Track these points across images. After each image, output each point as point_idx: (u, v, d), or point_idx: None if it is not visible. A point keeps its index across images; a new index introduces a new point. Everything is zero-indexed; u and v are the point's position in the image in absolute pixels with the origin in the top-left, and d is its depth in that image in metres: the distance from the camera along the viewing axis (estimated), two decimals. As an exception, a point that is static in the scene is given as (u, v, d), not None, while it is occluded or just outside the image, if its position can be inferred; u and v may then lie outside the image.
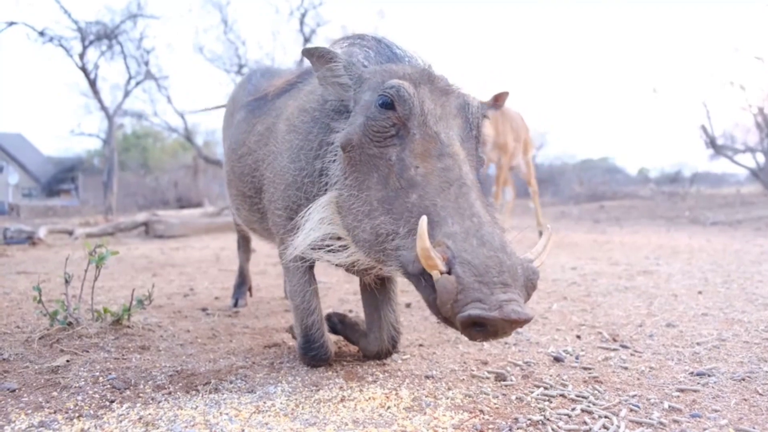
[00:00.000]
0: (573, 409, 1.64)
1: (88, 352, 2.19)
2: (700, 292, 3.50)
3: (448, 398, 1.73)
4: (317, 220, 1.74)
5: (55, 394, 1.74)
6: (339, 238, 1.74)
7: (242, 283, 3.47)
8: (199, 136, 23.50)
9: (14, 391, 1.76)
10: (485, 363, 2.12)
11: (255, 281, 4.04)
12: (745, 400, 1.72)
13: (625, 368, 2.04)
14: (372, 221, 1.57)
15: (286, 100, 2.20)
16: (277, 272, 4.86)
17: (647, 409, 1.65)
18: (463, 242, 1.37)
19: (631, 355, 2.22)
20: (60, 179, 32.22)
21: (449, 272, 1.32)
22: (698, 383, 1.86)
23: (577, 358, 2.18)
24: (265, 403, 1.67)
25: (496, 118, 7.07)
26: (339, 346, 2.35)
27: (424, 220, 1.35)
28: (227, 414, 1.58)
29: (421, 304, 3.11)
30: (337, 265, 1.87)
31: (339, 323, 2.31)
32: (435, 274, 1.33)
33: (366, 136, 1.64)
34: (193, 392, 1.78)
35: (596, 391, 1.80)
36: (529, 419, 1.56)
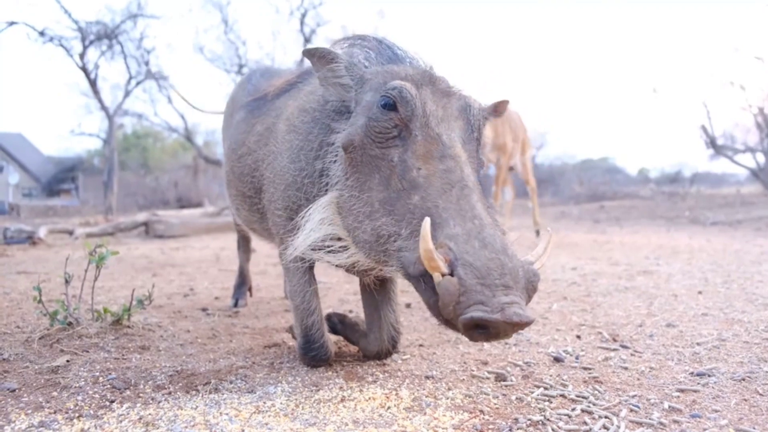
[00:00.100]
0: (573, 410, 1.64)
1: (88, 352, 2.19)
2: (700, 292, 3.50)
3: (448, 398, 1.73)
4: (318, 221, 1.73)
5: (55, 394, 1.74)
6: (339, 239, 1.73)
7: (242, 283, 3.47)
8: (199, 136, 23.55)
9: (14, 391, 1.76)
10: (485, 363, 2.12)
11: (255, 281, 4.04)
12: (746, 400, 1.72)
13: (625, 368, 2.04)
14: (373, 222, 1.56)
15: (285, 101, 2.20)
16: (277, 272, 4.86)
17: (647, 409, 1.65)
18: (465, 244, 1.37)
19: (631, 355, 2.22)
20: (60, 179, 32.24)
21: (451, 274, 1.32)
22: (698, 383, 1.86)
23: (577, 358, 2.18)
24: (265, 403, 1.67)
25: (495, 119, 7.09)
26: (339, 346, 2.35)
27: (427, 222, 1.34)
28: (227, 414, 1.58)
29: (421, 304, 3.11)
30: (337, 265, 1.87)
31: (339, 323, 2.31)
32: (437, 276, 1.33)
33: (368, 137, 1.64)
34: (193, 392, 1.78)
35: (596, 392, 1.80)
36: (529, 419, 1.56)
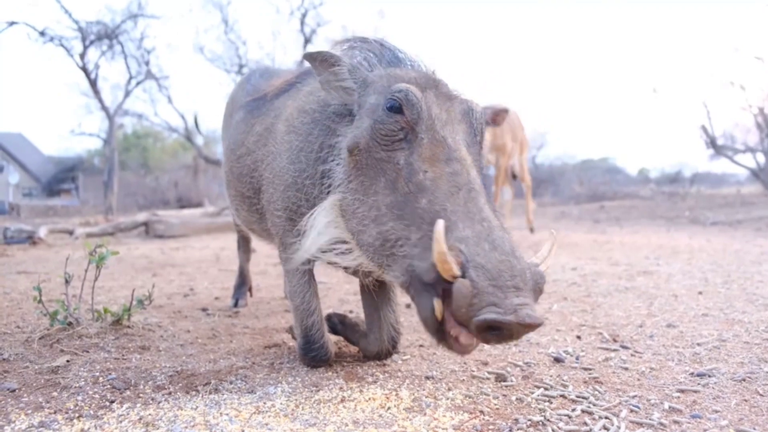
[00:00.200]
0: (573, 410, 1.64)
1: (88, 352, 2.19)
2: (700, 293, 3.50)
3: (448, 399, 1.73)
4: (324, 224, 1.73)
5: (55, 394, 1.74)
6: (345, 242, 1.72)
7: (242, 284, 3.47)
8: (199, 136, 23.52)
9: (14, 391, 1.76)
10: (485, 364, 2.12)
11: (255, 281, 4.04)
12: (746, 400, 1.72)
13: (626, 369, 2.04)
14: (380, 226, 1.55)
15: (285, 101, 2.19)
16: (278, 272, 4.86)
17: (647, 409, 1.65)
18: (476, 246, 1.36)
19: (632, 355, 2.21)
20: (60, 179, 32.25)
21: (463, 276, 1.31)
22: (699, 384, 1.86)
23: (577, 358, 2.18)
24: (265, 403, 1.67)
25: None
26: (339, 346, 2.35)
27: (440, 224, 1.33)
28: (227, 414, 1.58)
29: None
30: (345, 267, 1.87)
31: (339, 324, 2.31)
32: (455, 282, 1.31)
33: (374, 140, 1.63)
34: (193, 393, 1.78)
35: (596, 392, 1.80)
36: (530, 420, 1.56)
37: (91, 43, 17.39)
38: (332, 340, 2.16)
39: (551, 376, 1.97)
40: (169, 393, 1.78)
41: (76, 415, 1.57)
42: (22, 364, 2.02)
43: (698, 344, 2.34)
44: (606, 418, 1.58)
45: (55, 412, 1.59)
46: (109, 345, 2.30)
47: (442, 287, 1.34)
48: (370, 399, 1.72)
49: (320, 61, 1.82)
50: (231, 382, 1.88)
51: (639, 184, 26.02)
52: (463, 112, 1.72)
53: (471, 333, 1.32)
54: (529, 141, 8.53)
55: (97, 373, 1.94)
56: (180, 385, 1.85)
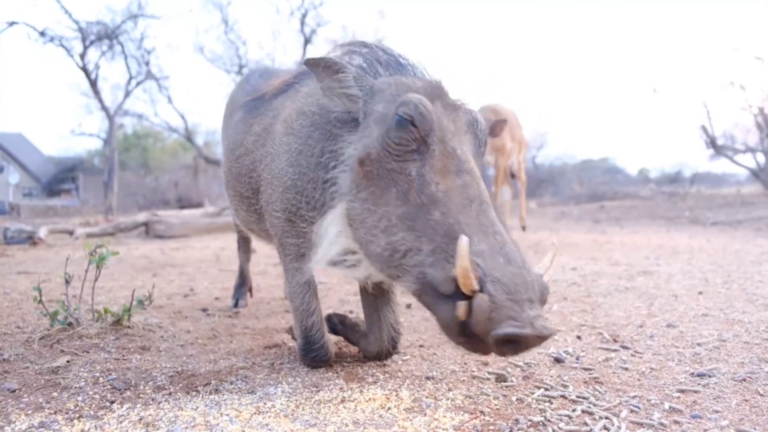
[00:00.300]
0: (574, 410, 1.64)
1: (88, 352, 2.19)
2: (700, 293, 3.50)
3: (448, 399, 1.73)
4: (335, 234, 1.72)
5: (55, 394, 1.74)
6: (354, 252, 1.72)
7: (242, 284, 3.46)
8: (199, 136, 23.56)
9: (14, 391, 1.76)
10: (486, 364, 2.12)
11: (255, 281, 4.04)
12: (746, 400, 1.72)
13: (626, 369, 2.04)
14: (390, 237, 1.55)
15: (283, 101, 2.18)
16: (278, 272, 4.86)
17: (648, 409, 1.65)
18: (492, 260, 1.39)
19: (632, 355, 2.21)
20: (60, 179, 32.26)
21: (481, 290, 1.34)
22: (699, 384, 1.86)
23: (577, 358, 2.18)
24: (265, 404, 1.67)
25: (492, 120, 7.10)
26: (339, 346, 2.35)
27: (464, 241, 1.34)
28: (228, 415, 1.58)
29: (422, 305, 3.10)
30: (355, 277, 1.87)
31: (339, 324, 2.31)
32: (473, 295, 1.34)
33: (385, 150, 1.63)
34: (194, 393, 1.78)
35: (597, 392, 1.80)
36: (530, 420, 1.56)
37: (92, 43, 17.40)
38: (332, 340, 2.16)
39: (551, 376, 1.97)
40: (170, 393, 1.78)
41: (77, 415, 1.57)
42: (23, 365, 2.02)
43: (698, 344, 2.34)
44: (606, 418, 1.58)
45: (55, 413, 1.59)
46: (109, 345, 2.30)
47: (458, 298, 1.37)
48: (370, 399, 1.72)
49: (323, 67, 1.78)
50: (231, 383, 1.88)
51: (639, 184, 26.03)
52: (468, 122, 1.72)
53: (488, 346, 1.35)
54: (526, 140, 8.53)
55: (98, 374, 1.94)
56: (180, 385, 1.85)
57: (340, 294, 3.72)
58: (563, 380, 1.92)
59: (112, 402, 1.69)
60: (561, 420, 1.57)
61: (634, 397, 1.75)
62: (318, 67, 1.79)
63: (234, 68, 20.09)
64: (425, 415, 1.60)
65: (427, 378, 1.96)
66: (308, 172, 1.88)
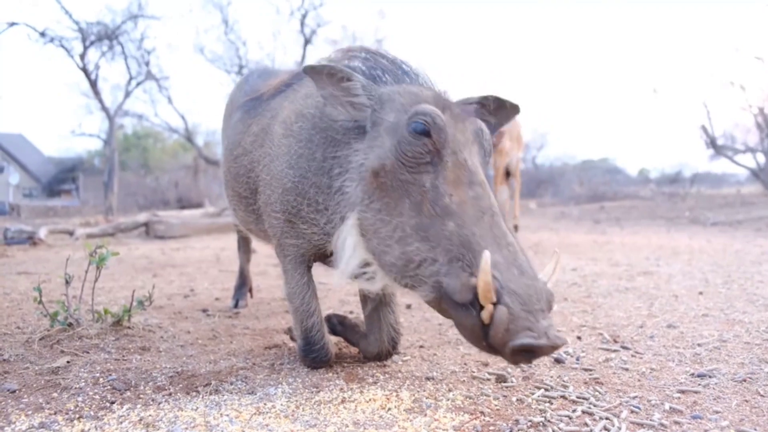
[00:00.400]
0: (574, 411, 1.64)
1: (88, 353, 2.19)
2: (700, 293, 3.50)
3: (448, 400, 1.73)
4: (352, 246, 1.73)
5: (55, 395, 1.74)
6: (369, 264, 1.72)
7: (243, 284, 3.46)
8: (199, 137, 23.57)
9: (14, 392, 1.76)
10: (486, 364, 2.12)
11: (255, 282, 4.04)
12: (747, 401, 1.71)
13: (626, 369, 2.04)
14: (404, 247, 1.56)
15: (281, 101, 2.17)
16: (278, 273, 4.86)
17: (648, 410, 1.65)
18: (507, 272, 1.43)
19: (632, 356, 2.21)
20: (61, 179, 32.25)
21: (498, 301, 1.38)
22: (699, 384, 1.86)
23: (577, 359, 2.18)
24: (265, 404, 1.67)
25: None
26: (339, 347, 2.34)
27: (487, 255, 1.38)
28: (228, 415, 1.58)
29: (421, 305, 3.11)
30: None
31: (339, 325, 2.31)
32: (489, 307, 1.38)
33: (399, 161, 1.63)
34: (194, 393, 1.78)
35: (597, 393, 1.80)
36: (530, 421, 1.56)
37: (92, 43, 17.38)
38: (332, 340, 2.16)
39: (552, 376, 1.97)
40: (170, 394, 1.78)
41: (77, 416, 1.57)
42: (23, 365, 2.02)
43: (699, 345, 2.34)
44: (607, 418, 1.58)
45: (55, 413, 1.59)
46: (109, 346, 2.30)
47: (475, 307, 1.42)
48: (370, 400, 1.72)
49: (327, 75, 1.75)
50: (231, 383, 1.88)
51: (639, 185, 26.03)
52: (474, 132, 1.72)
53: (504, 356, 1.40)
54: (523, 138, 8.50)
55: (98, 374, 1.94)
56: (180, 386, 1.85)
57: (340, 294, 3.72)
58: (563, 381, 1.92)
59: (112, 402, 1.69)
60: (561, 420, 1.57)
61: (634, 397, 1.75)
62: (321, 74, 1.76)
63: (234, 68, 20.10)
64: (425, 415, 1.60)
65: (428, 378, 1.95)
66: (310, 175, 1.87)
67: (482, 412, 1.63)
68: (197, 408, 1.64)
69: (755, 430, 1.50)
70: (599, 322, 2.81)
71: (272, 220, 2.04)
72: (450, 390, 1.83)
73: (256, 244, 3.67)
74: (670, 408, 1.66)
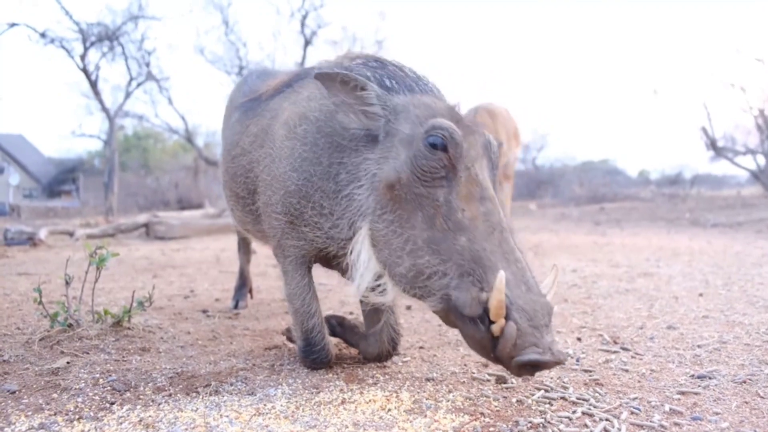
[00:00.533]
0: (574, 412, 1.64)
1: (88, 353, 2.19)
2: (700, 295, 3.49)
3: (448, 401, 1.73)
4: (366, 260, 1.74)
5: (55, 395, 1.74)
6: (382, 276, 1.73)
7: (243, 285, 3.46)
8: (199, 138, 23.56)
9: (14, 392, 1.76)
10: (486, 365, 2.12)
11: (255, 283, 4.03)
12: (747, 402, 1.71)
13: (626, 371, 2.04)
14: (415, 260, 1.59)
15: (280, 102, 2.16)
16: (278, 273, 4.84)
17: (648, 411, 1.65)
18: (516, 289, 1.48)
19: (632, 357, 2.21)
20: (61, 180, 32.25)
21: (506, 317, 1.44)
22: (699, 386, 1.86)
23: (577, 360, 2.18)
24: (265, 405, 1.67)
25: (488, 122, 7.10)
26: (339, 348, 2.34)
27: (502, 275, 1.43)
28: (227, 416, 1.58)
29: (422, 306, 3.10)
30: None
31: (338, 326, 2.30)
32: (500, 322, 1.44)
33: (414, 174, 1.64)
34: (194, 394, 1.78)
35: (597, 394, 1.80)
36: (530, 422, 1.56)
37: (92, 44, 17.39)
38: (332, 341, 2.16)
39: (552, 377, 1.97)
40: (170, 395, 1.78)
41: (77, 416, 1.57)
42: (23, 366, 2.02)
43: (699, 346, 2.34)
44: (607, 420, 1.58)
45: (55, 414, 1.59)
46: (109, 347, 2.30)
47: (483, 321, 1.47)
48: (370, 401, 1.72)
49: (341, 82, 1.74)
50: (231, 384, 1.88)
51: (639, 186, 26.00)
52: (483, 145, 1.74)
53: (510, 369, 1.46)
54: (521, 135, 8.49)
55: (98, 375, 1.94)
56: (180, 386, 1.85)
57: (340, 295, 3.72)
58: (563, 382, 1.92)
59: (112, 403, 1.69)
60: (561, 422, 1.57)
61: (634, 398, 1.75)
62: (334, 81, 1.75)
63: (234, 69, 20.09)
64: (425, 416, 1.60)
65: (428, 379, 1.95)
66: (315, 180, 1.86)
67: (482, 413, 1.63)
68: (197, 409, 1.64)
69: (755, 431, 1.50)
70: (599, 323, 2.81)
71: (273, 221, 2.04)
72: (450, 391, 1.83)
73: (256, 244, 3.67)
74: (670, 409, 1.66)
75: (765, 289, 3.62)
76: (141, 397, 1.75)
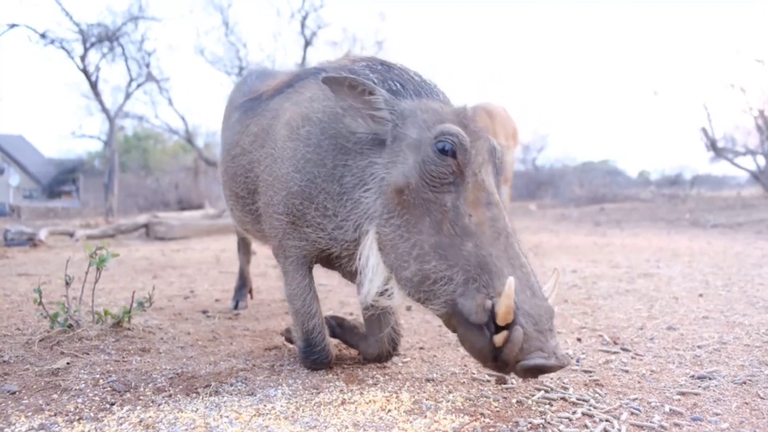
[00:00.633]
0: (574, 413, 1.64)
1: (88, 354, 2.19)
2: (700, 295, 3.49)
3: (448, 401, 1.73)
4: (375, 265, 1.74)
5: (55, 396, 1.74)
6: (389, 280, 1.74)
7: (243, 285, 3.46)
8: (199, 138, 23.57)
9: (14, 393, 1.76)
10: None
11: (255, 283, 4.03)
12: (746, 403, 1.71)
13: (626, 371, 2.04)
14: (422, 264, 1.60)
15: (281, 102, 2.15)
16: (278, 274, 4.84)
17: (648, 412, 1.65)
18: (522, 294, 1.50)
19: (632, 358, 2.21)
20: (61, 181, 32.23)
21: (513, 322, 1.45)
22: (699, 386, 1.86)
23: (578, 361, 2.18)
24: (265, 406, 1.67)
25: (486, 122, 7.11)
26: (339, 349, 2.34)
27: (512, 282, 1.45)
28: (227, 417, 1.58)
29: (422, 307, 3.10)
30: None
31: (337, 327, 2.30)
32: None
33: (422, 180, 1.65)
34: (194, 395, 1.78)
35: (597, 395, 1.80)
36: (530, 422, 1.56)
37: (92, 45, 17.39)
38: (333, 342, 2.16)
39: (552, 378, 1.97)
40: (170, 395, 1.78)
41: (77, 417, 1.57)
42: (23, 366, 2.02)
43: (699, 347, 2.34)
44: (607, 420, 1.58)
45: (55, 415, 1.59)
46: (109, 347, 2.30)
47: (489, 327, 1.49)
48: (370, 401, 1.72)
49: (349, 86, 1.75)
50: (231, 385, 1.88)
51: (639, 187, 25.98)
52: (488, 151, 1.74)
53: (515, 372, 1.48)
54: (519, 135, 8.49)
55: (98, 376, 1.94)
56: (180, 387, 1.85)
57: (340, 296, 3.72)
58: (563, 382, 1.92)
59: (112, 404, 1.69)
60: (561, 422, 1.57)
61: (634, 399, 1.75)
62: (342, 85, 1.76)
63: (234, 70, 20.11)
64: (425, 417, 1.60)
65: (428, 380, 1.95)
66: (319, 181, 1.86)
67: (482, 414, 1.63)
68: (197, 409, 1.64)
69: (755, 432, 1.50)
70: (599, 323, 2.81)
71: (274, 221, 2.04)
72: (450, 391, 1.83)
73: (255, 245, 3.67)
74: (670, 410, 1.66)
75: (765, 290, 3.62)
76: (141, 397, 1.75)
